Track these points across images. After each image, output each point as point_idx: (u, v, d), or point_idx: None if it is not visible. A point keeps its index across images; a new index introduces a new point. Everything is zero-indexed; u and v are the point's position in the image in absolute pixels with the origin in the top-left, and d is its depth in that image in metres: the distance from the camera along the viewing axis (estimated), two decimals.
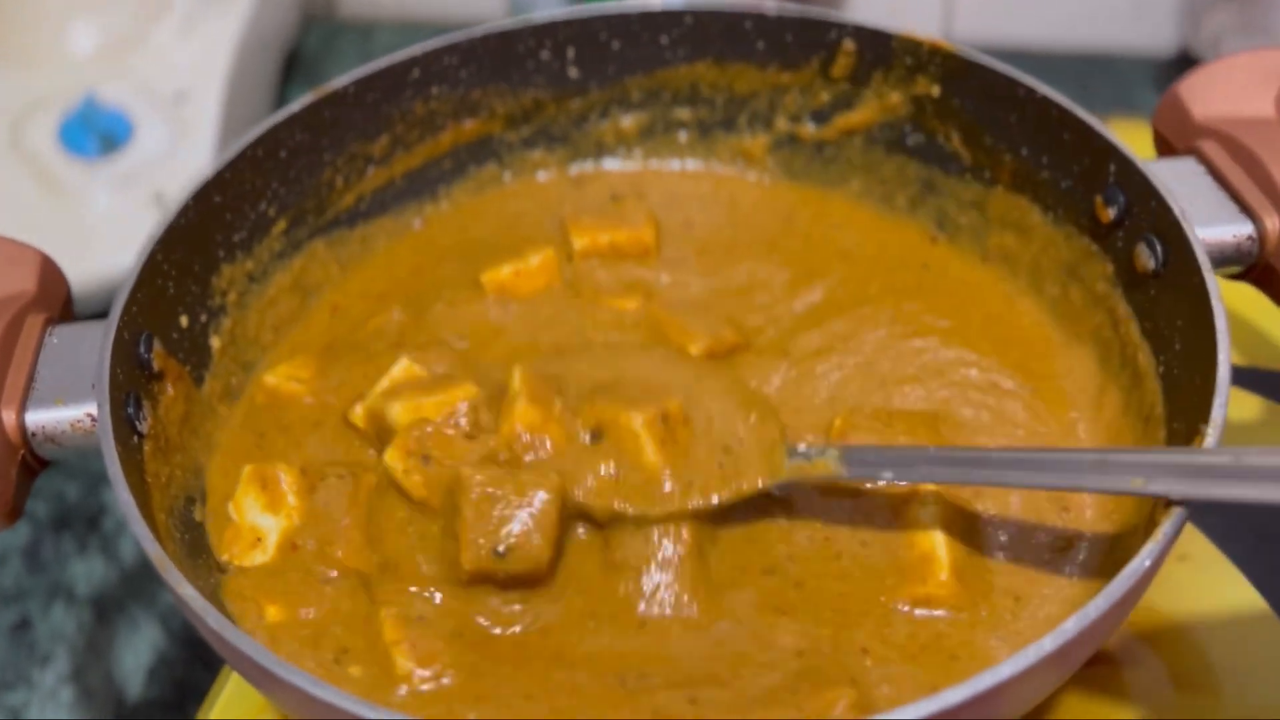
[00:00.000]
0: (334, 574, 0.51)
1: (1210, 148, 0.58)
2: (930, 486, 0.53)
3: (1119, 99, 1.04)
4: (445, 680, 0.47)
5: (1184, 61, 1.06)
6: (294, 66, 1.11)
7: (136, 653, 0.71)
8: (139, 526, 0.44)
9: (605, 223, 0.68)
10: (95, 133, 0.90)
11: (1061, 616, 0.45)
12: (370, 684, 0.47)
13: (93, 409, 0.49)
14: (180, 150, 0.90)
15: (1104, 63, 1.09)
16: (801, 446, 0.54)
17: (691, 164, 0.73)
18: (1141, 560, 0.43)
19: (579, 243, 0.67)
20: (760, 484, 0.52)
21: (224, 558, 0.53)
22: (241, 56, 0.96)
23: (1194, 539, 0.61)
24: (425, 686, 0.47)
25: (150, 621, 0.73)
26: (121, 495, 0.45)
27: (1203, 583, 0.60)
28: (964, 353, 0.62)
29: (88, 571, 0.75)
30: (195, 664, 0.71)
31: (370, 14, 1.18)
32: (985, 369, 0.61)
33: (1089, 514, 0.54)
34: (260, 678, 0.42)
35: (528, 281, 0.65)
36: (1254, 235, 0.55)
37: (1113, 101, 1.04)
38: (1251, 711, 0.55)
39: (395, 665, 0.47)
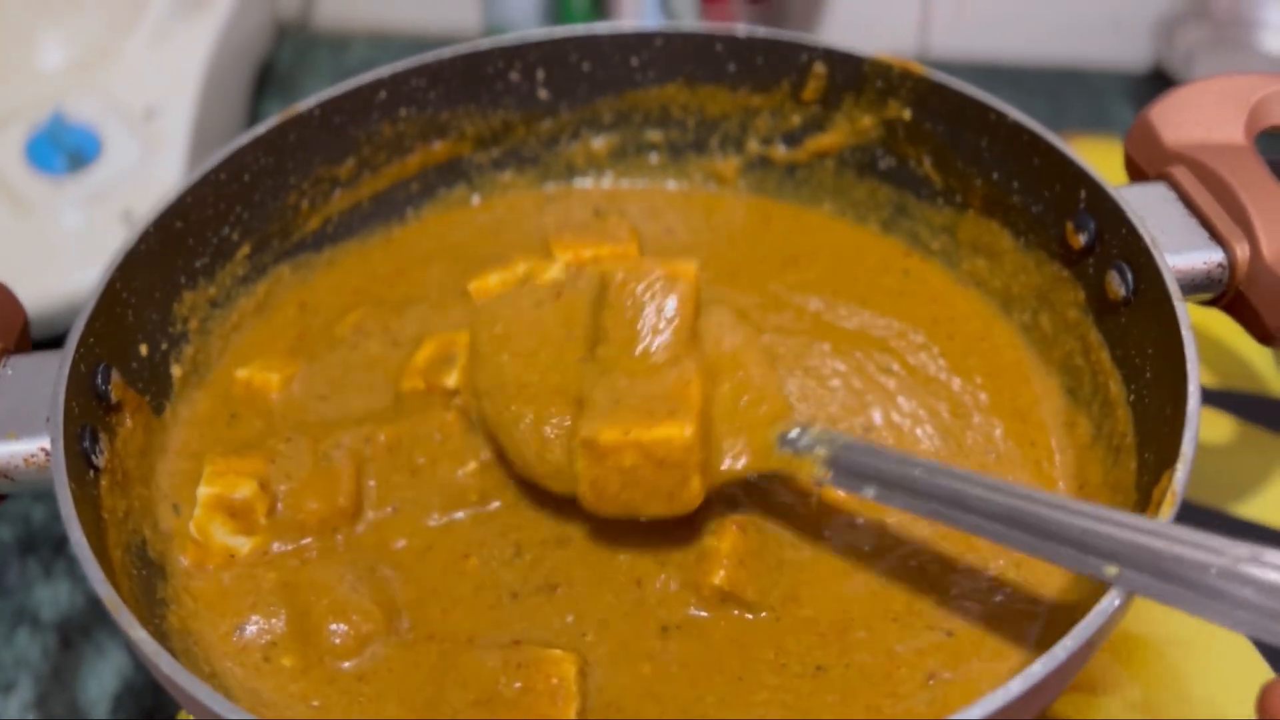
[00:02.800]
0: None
1: (1181, 174, 0.57)
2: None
3: (1093, 114, 1.04)
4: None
5: (1158, 77, 1.06)
6: (268, 80, 1.10)
7: (102, 680, 0.70)
8: (92, 569, 0.43)
9: (588, 238, 0.67)
10: (63, 149, 0.88)
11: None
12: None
13: (46, 443, 0.48)
14: (150, 167, 0.89)
15: (1078, 78, 1.09)
16: (794, 432, 0.51)
17: (665, 184, 0.73)
18: (1112, 599, 0.42)
19: (562, 258, 0.66)
20: (742, 467, 0.51)
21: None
22: (213, 71, 0.95)
23: None
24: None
25: (117, 648, 0.72)
26: (74, 535, 0.44)
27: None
28: (940, 368, 0.61)
29: (53, 596, 0.74)
30: (162, 692, 0.70)
31: (345, 27, 1.17)
32: (959, 389, 0.60)
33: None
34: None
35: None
36: (1224, 263, 0.55)
37: (1087, 116, 1.04)
38: None
39: None
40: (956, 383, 0.61)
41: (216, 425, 0.59)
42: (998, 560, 0.52)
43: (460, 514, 0.55)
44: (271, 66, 1.12)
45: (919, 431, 0.58)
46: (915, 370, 0.61)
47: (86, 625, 0.73)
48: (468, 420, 0.56)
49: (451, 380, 0.58)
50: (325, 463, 0.55)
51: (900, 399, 0.60)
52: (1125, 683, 0.58)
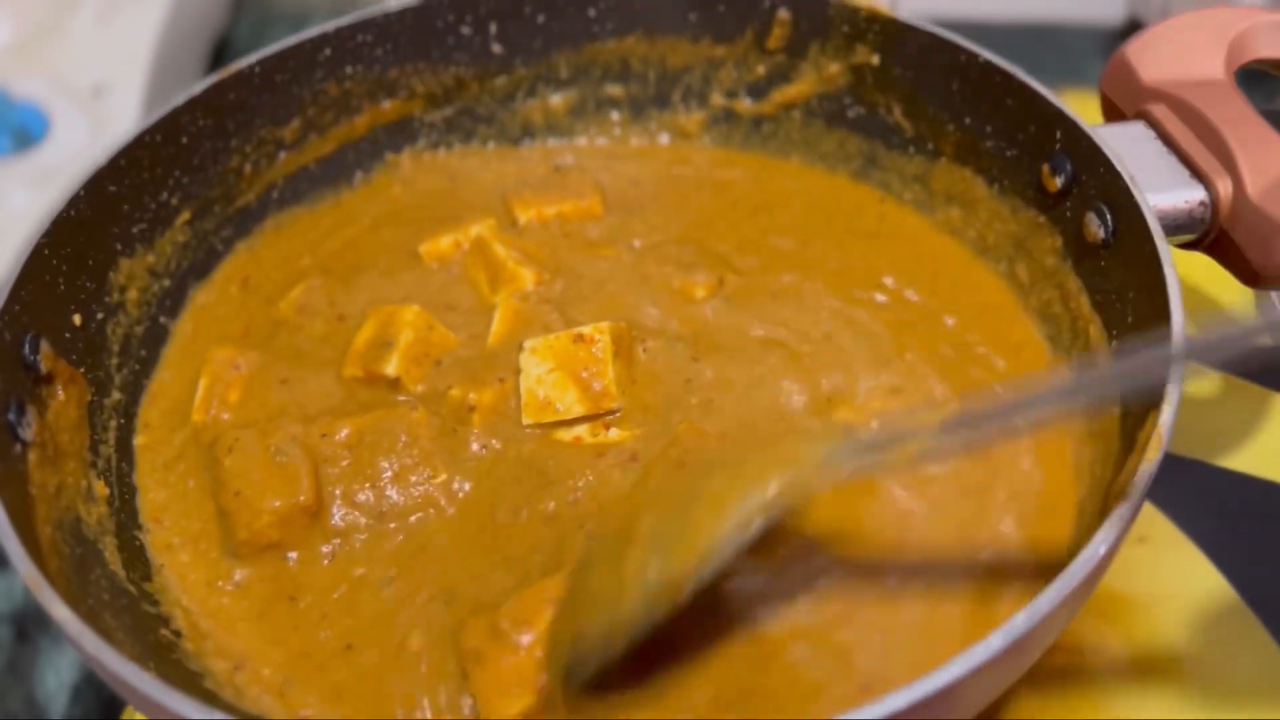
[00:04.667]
0: None
1: (1160, 112, 0.55)
2: None
3: (1066, 71, 1.02)
4: None
5: (1133, 31, 1.04)
6: (224, 58, 1.08)
7: (59, 672, 0.68)
8: (12, 544, 0.41)
9: (550, 196, 0.65)
10: (8, 128, 0.86)
11: None
12: None
13: None
14: (100, 146, 0.86)
15: (1050, 34, 1.07)
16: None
17: (628, 141, 0.70)
18: (1095, 548, 0.40)
19: (524, 217, 0.64)
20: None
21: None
22: (164, 47, 0.92)
23: (1154, 520, 0.59)
24: None
25: None
26: None
27: (1163, 563, 0.58)
28: (930, 307, 0.60)
29: (7, 589, 0.72)
30: None
31: (303, 1, 1.14)
32: (952, 326, 0.59)
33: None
34: (146, 706, 0.39)
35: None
36: (1206, 201, 0.52)
37: (1060, 73, 1.01)
38: (1214, 692, 0.54)
39: None
40: (950, 320, 0.59)
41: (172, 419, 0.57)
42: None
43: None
44: (228, 44, 1.09)
45: (925, 369, 0.57)
46: (910, 307, 0.59)
47: (42, 617, 0.70)
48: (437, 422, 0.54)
49: (391, 368, 0.55)
50: (280, 458, 0.52)
51: (901, 336, 0.58)
52: (1112, 641, 0.56)
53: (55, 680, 0.68)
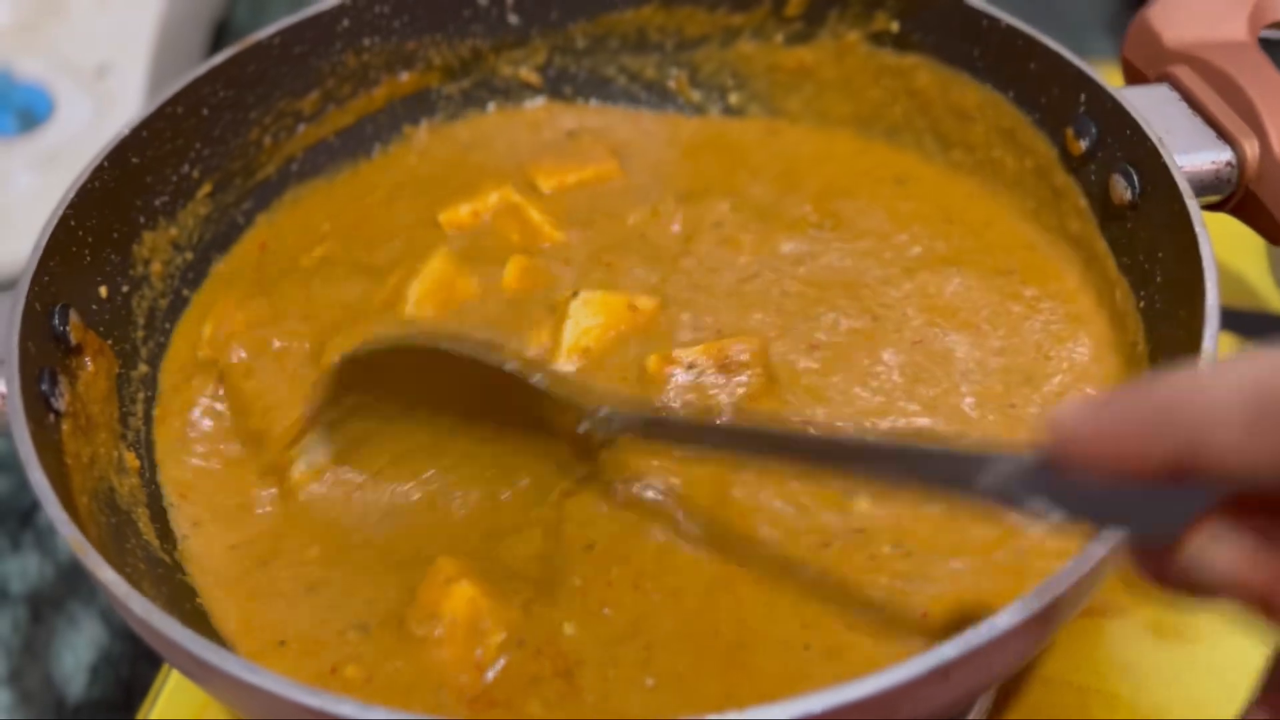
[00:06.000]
0: None
1: (1184, 73, 0.55)
2: None
3: (1069, 46, 1.02)
4: None
5: (1137, 4, 1.04)
6: (224, 39, 1.07)
7: (77, 651, 0.68)
8: (54, 509, 0.41)
9: (569, 163, 0.65)
10: (12, 109, 0.85)
11: None
12: None
13: (1, 385, 0.46)
14: (105, 126, 0.85)
15: (1051, 8, 1.06)
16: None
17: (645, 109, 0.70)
18: None
19: (547, 186, 0.64)
20: None
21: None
22: (167, 26, 0.92)
23: None
24: None
25: (91, 618, 0.69)
26: (34, 476, 0.42)
27: None
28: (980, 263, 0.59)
29: (22, 569, 0.71)
30: (141, 660, 0.67)
31: None
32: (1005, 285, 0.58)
33: None
34: (193, 667, 0.38)
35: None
36: (1233, 161, 0.53)
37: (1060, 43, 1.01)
38: (1229, 658, 0.54)
39: None
40: (1000, 280, 0.58)
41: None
42: None
43: None
44: (228, 25, 1.08)
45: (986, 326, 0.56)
46: (965, 263, 0.59)
47: (58, 597, 0.70)
48: None
49: (410, 307, 0.56)
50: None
51: (966, 293, 0.58)
52: (1135, 605, 0.56)
53: (73, 660, 0.67)
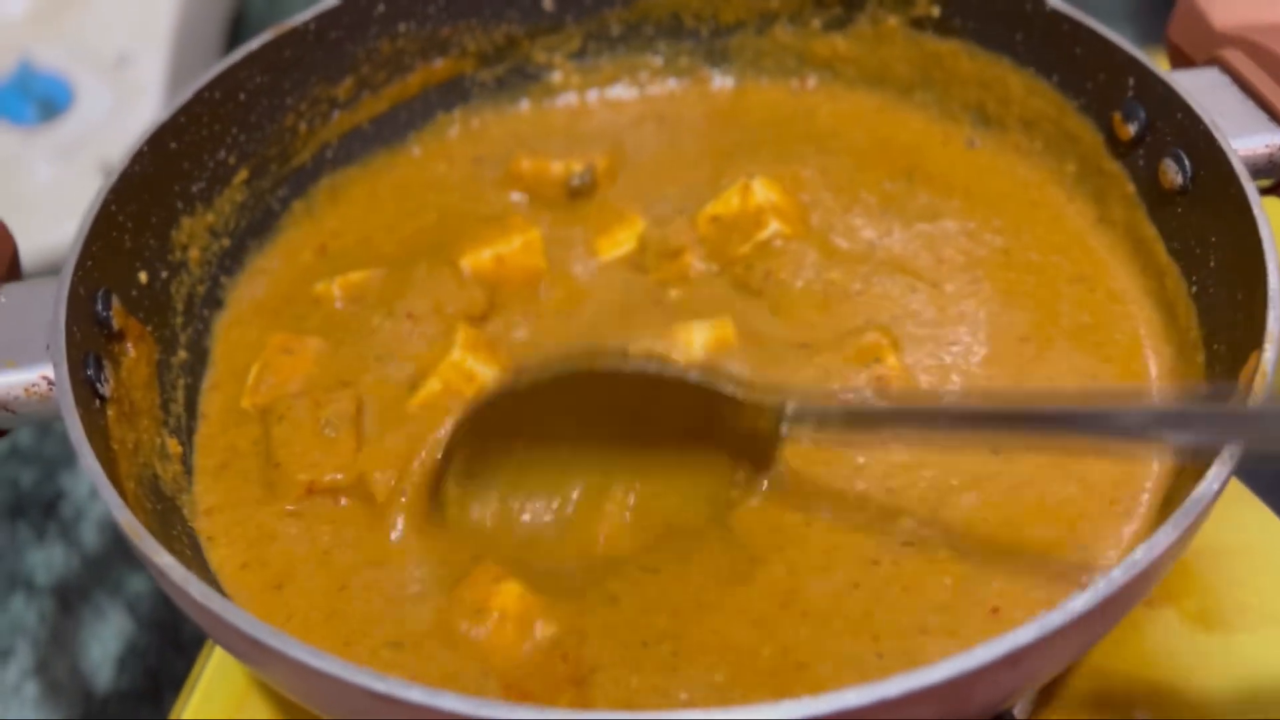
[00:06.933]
0: None
1: (1234, 56, 0.55)
2: None
3: None
4: None
5: None
6: (241, 30, 1.07)
7: (104, 642, 0.67)
8: (108, 493, 0.40)
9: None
10: (33, 99, 0.85)
11: None
12: None
13: (49, 371, 0.46)
14: (125, 116, 0.85)
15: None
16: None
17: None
18: (1209, 484, 0.40)
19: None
20: None
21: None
22: (185, 16, 0.91)
23: None
24: None
25: (117, 609, 0.69)
26: (87, 461, 0.42)
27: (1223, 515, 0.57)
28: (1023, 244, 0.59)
29: (47, 560, 0.71)
30: (167, 650, 0.67)
31: None
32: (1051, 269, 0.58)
33: None
34: (253, 651, 0.38)
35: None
36: None
37: None
38: (1270, 649, 0.53)
39: None
40: (1046, 266, 0.58)
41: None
42: None
43: None
44: (244, 16, 1.08)
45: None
46: (1008, 245, 0.59)
47: (84, 588, 0.70)
48: None
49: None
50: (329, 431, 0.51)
51: (1009, 274, 0.57)
52: (1182, 594, 0.56)
53: (100, 651, 0.67)
